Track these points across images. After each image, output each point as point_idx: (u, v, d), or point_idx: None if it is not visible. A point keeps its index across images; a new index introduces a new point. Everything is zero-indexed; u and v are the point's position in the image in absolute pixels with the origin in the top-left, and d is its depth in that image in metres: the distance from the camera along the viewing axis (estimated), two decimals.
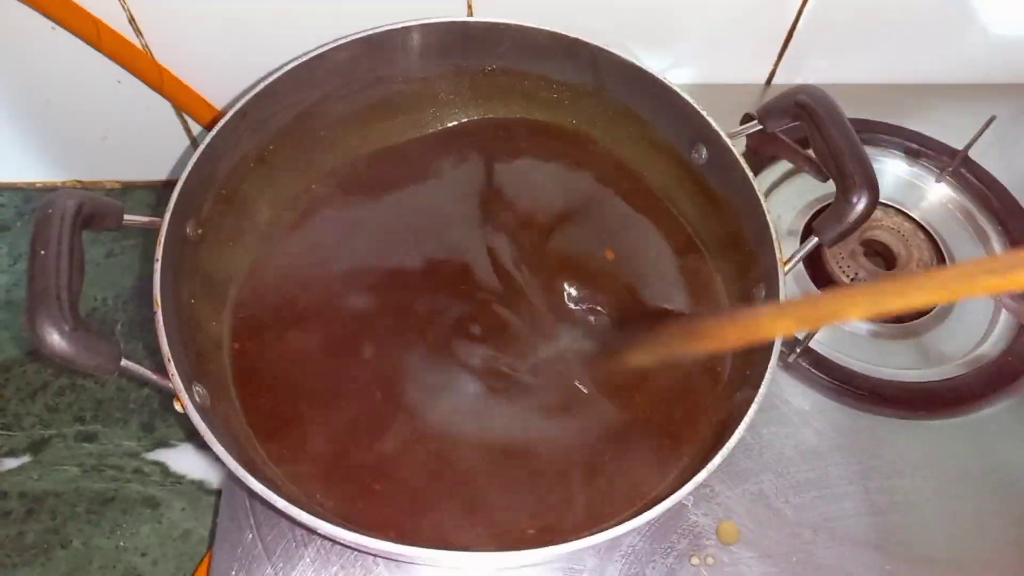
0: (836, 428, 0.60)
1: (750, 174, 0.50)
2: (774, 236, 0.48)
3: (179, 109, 0.75)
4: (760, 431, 0.59)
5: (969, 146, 0.69)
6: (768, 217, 0.48)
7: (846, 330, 0.64)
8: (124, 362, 0.40)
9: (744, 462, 0.58)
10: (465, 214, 0.58)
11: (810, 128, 0.47)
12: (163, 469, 0.72)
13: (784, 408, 0.60)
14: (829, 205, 0.49)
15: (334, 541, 0.52)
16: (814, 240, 0.47)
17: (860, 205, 0.45)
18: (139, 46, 0.67)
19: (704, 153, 0.54)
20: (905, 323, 0.64)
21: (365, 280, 0.55)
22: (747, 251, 0.52)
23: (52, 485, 0.70)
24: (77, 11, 0.62)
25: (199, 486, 0.71)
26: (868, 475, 0.58)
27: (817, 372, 0.60)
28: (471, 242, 0.57)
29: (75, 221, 0.41)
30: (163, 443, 0.73)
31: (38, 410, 0.74)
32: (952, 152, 0.70)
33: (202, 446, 0.72)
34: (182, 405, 0.42)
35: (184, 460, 0.72)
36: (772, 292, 0.48)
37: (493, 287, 0.55)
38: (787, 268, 0.47)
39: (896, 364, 0.62)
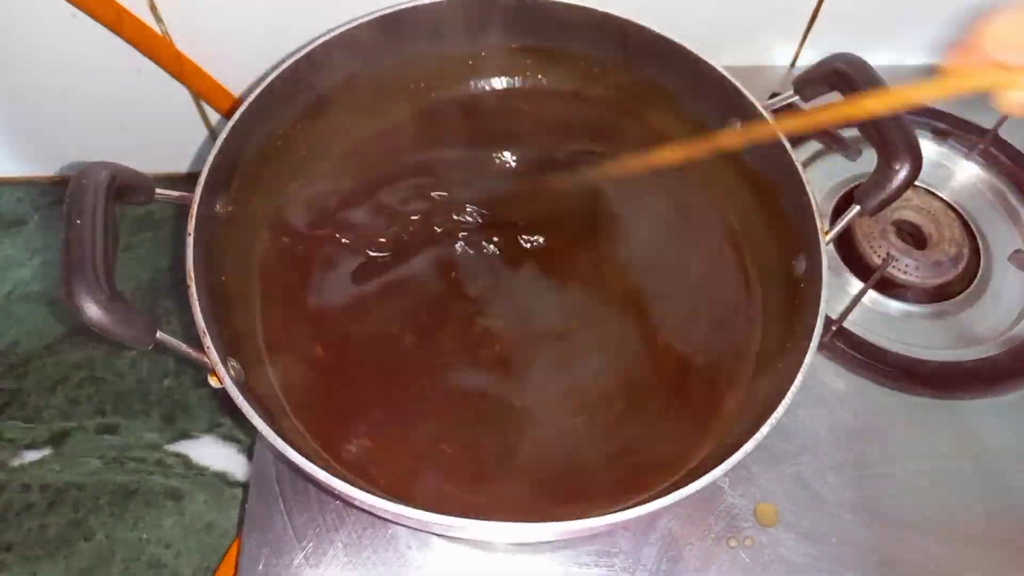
0: (872, 408, 0.59)
1: (787, 144, 0.49)
2: (814, 206, 0.47)
3: (198, 98, 0.74)
4: (796, 412, 0.58)
5: (999, 125, 0.69)
6: (808, 187, 0.48)
7: (880, 311, 0.63)
8: (160, 334, 0.40)
9: (780, 443, 0.57)
10: (498, 192, 0.57)
11: (849, 96, 0.47)
12: (185, 461, 0.71)
13: (819, 389, 0.59)
14: (858, 185, 0.48)
15: (370, 514, 0.51)
16: (856, 208, 0.46)
17: (903, 172, 0.44)
18: (160, 33, 0.66)
19: (738, 127, 0.54)
20: (939, 303, 0.63)
21: (396, 253, 0.54)
22: (784, 224, 0.51)
23: (74, 478, 0.69)
24: None
25: (222, 478, 0.70)
26: (906, 455, 0.57)
27: (852, 352, 0.59)
28: (504, 215, 0.56)
29: (108, 192, 0.40)
30: (185, 435, 0.72)
31: (58, 403, 0.73)
32: (981, 131, 0.69)
33: (225, 437, 0.72)
34: (218, 379, 0.41)
35: (206, 452, 0.71)
36: (813, 263, 0.47)
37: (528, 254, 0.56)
38: (828, 238, 0.47)
39: (931, 344, 0.61)
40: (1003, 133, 0.69)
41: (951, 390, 0.59)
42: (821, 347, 0.60)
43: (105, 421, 0.72)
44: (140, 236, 0.82)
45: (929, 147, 0.71)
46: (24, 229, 0.82)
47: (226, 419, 0.73)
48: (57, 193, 0.84)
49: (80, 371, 0.75)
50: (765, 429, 0.41)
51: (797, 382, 0.43)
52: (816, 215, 0.47)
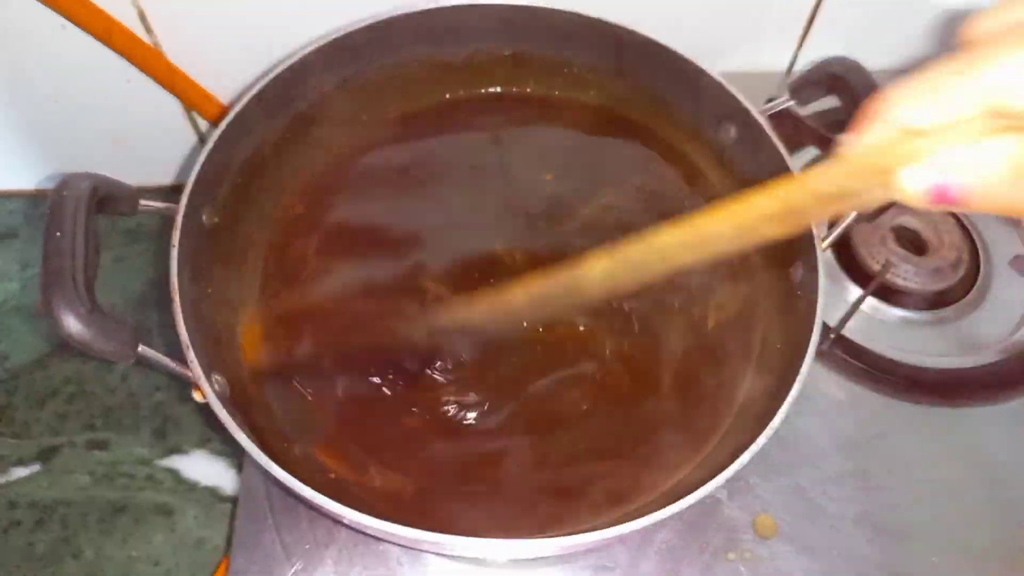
0: (873, 418, 0.58)
1: (782, 149, 0.48)
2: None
3: (188, 108, 0.73)
4: (795, 422, 0.57)
5: None
6: None
7: (879, 319, 0.62)
8: (142, 348, 0.39)
9: (779, 454, 0.56)
10: (489, 198, 0.57)
11: (845, 100, 0.46)
12: (175, 476, 0.70)
13: (819, 398, 0.58)
14: None
15: (360, 531, 0.50)
16: (853, 213, 0.46)
17: None
18: (150, 43, 0.66)
19: (732, 132, 0.53)
20: (939, 309, 0.62)
21: (386, 264, 0.53)
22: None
23: (62, 494, 0.68)
24: (89, 7, 0.61)
25: (212, 493, 0.69)
26: (908, 465, 0.56)
27: (852, 360, 0.59)
28: (496, 225, 0.55)
29: (90, 203, 0.39)
30: (175, 450, 0.71)
31: (47, 417, 0.72)
32: None
33: (216, 452, 0.71)
34: (202, 394, 0.40)
35: (197, 467, 0.70)
36: (810, 270, 0.46)
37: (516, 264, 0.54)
38: (825, 244, 0.46)
39: (931, 351, 0.60)
40: None
41: (953, 398, 0.58)
42: (820, 356, 0.59)
43: (95, 436, 0.71)
44: (130, 249, 0.81)
45: None
46: (14, 242, 0.81)
47: (216, 433, 0.72)
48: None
49: (70, 385, 0.74)
50: (762, 440, 0.40)
51: (795, 391, 0.42)
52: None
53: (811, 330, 0.44)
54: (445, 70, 0.58)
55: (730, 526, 0.54)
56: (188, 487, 0.69)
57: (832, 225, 0.46)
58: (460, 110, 0.60)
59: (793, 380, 0.42)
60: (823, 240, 0.46)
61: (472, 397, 0.49)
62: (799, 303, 0.47)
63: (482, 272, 0.53)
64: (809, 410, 0.58)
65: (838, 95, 0.47)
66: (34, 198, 0.84)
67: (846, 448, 0.56)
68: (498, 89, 0.60)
